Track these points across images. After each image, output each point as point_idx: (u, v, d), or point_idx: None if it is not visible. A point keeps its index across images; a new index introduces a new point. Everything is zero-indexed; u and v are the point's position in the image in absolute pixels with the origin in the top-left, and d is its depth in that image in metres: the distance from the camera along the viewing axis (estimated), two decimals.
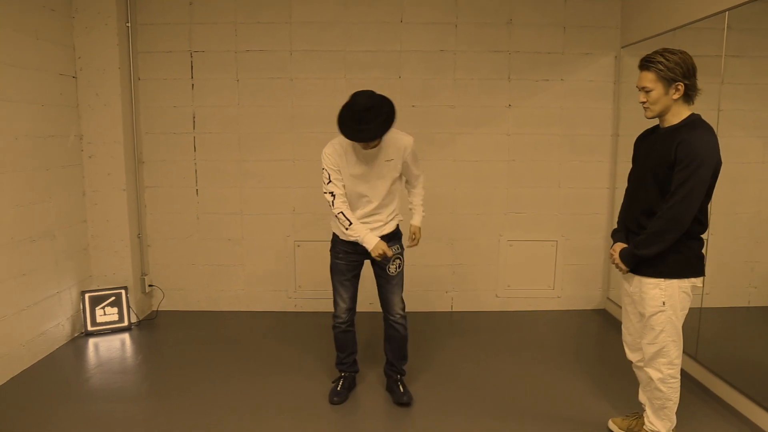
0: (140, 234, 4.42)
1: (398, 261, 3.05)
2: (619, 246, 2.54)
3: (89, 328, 4.07)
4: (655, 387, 2.49)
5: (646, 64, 2.33)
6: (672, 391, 2.47)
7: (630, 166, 2.70)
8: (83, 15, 3.99)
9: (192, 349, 3.84)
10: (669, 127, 2.37)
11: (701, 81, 3.65)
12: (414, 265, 4.55)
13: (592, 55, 4.38)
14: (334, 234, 3.07)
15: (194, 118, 4.40)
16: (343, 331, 3.11)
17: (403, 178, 3.09)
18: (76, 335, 4.06)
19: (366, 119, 2.69)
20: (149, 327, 4.28)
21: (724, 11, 3.22)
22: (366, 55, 4.33)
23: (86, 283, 4.19)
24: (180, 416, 2.97)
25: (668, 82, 2.29)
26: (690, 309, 3.79)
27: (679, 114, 2.35)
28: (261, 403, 3.11)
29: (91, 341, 3.98)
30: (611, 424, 2.84)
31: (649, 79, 2.32)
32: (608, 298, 4.68)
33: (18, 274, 3.47)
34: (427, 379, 3.40)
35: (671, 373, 2.45)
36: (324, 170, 2.89)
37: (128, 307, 4.20)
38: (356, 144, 2.83)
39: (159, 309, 4.57)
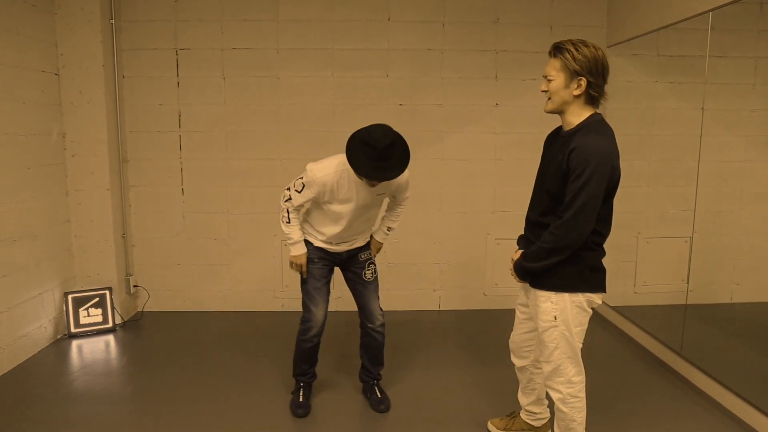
0: (125, 234, 4.36)
1: (372, 266, 2.99)
2: (519, 254, 2.38)
3: (73, 329, 4.00)
4: (557, 408, 2.33)
5: (554, 50, 2.16)
6: (575, 412, 2.30)
7: None
8: (66, 11, 3.92)
9: (178, 351, 3.79)
10: (569, 131, 2.18)
11: (687, 80, 3.72)
12: (401, 263, 4.56)
13: None
14: (306, 240, 2.92)
15: (180, 116, 4.35)
16: (313, 345, 2.96)
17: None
18: (59, 337, 3.99)
19: (387, 156, 2.48)
20: (134, 328, 4.22)
21: (708, 11, 3.25)
22: (353, 53, 4.31)
23: (69, 283, 4.12)
24: (166, 420, 2.93)
25: (571, 74, 2.10)
26: (674, 306, 3.89)
27: (579, 115, 2.16)
28: (249, 412, 3.04)
29: (75, 343, 3.92)
30: (490, 426, 2.80)
31: (553, 66, 2.15)
32: None
33: None
34: (409, 382, 3.40)
35: (571, 392, 2.28)
36: (303, 185, 2.68)
37: (113, 308, 4.13)
38: (352, 175, 2.62)
39: (144, 310, 4.50)
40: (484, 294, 4.63)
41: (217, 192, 4.44)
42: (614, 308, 4.44)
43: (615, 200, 4.83)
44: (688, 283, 3.92)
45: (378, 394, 3.09)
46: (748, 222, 4.35)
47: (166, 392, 3.22)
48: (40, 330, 3.79)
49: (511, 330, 2.63)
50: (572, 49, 2.09)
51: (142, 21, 4.22)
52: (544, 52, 4.34)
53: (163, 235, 4.48)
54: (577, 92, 2.11)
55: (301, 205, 2.79)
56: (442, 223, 4.54)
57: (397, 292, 4.59)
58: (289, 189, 2.80)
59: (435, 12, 4.30)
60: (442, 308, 4.65)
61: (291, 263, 2.91)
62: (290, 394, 3.11)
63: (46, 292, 3.86)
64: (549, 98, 2.20)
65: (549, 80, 2.17)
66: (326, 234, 2.85)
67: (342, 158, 2.63)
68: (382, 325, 3.01)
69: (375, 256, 3.06)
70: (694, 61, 3.60)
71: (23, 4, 3.61)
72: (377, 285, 3.02)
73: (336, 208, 2.73)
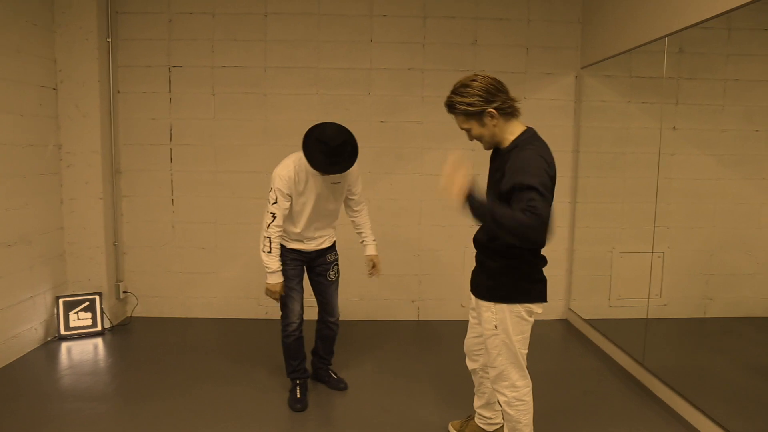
0: (116, 241, 4.54)
1: (336, 267, 3.31)
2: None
3: (63, 332, 4.17)
4: (503, 410, 2.44)
5: (449, 110, 2.26)
6: (520, 414, 2.39)
7: None
8: (65, 30, 4.16)
9: (162, 355, 3.95)
10: (505, 148, 2.27)
11: (658, 101, 3.88)
12: (381, 274, 4.69)
13: (554, 74, 4.60)
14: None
15: (171, 130, 4.56)
16: (296, 339, 3.23)
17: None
18: (49, 339, 4.16)
19: (341, 154, 2.83)
20: (122, 332, 4.39)
21: (664, 37, 3.42)
22: (337, 72, 4.51)
23: (61, 288, 4.30)
24: (145, 416, 3.08)
25: (477, 115, 2.20)
26: (635, 320, 4.00)
27: (511, 133, 2.25)
28: (224, 410, 3.18)
29: (64, 345, 4.09)
30: (450, 427, 2.94)
31: (460, 121, 2.26)
32: (570, 309, 4.84)
33: None
34: (381, 388, 3.54)
35: (515, 396, 2.38)
36: (273, 190, 2.98)
37: (102, 312, 4.31)
38: (308, 168, 2.94)
39: (133, 315, 4.68)
40: (461, 305, 4.77)
41: (206, 203, 4.63)
42: (589, 321, 4.55)
43: (590, 215, 4.98)
44: (658, 296, 4.04)
45: (335, 376, 3.50)
46: (721, 239, 4.48)
47: (148, 390, 3.37)
48: (31, 331, 3.97)
49: None
50: (460, 99, 2.19)
51: (137, 39, 4.45)
52: (520, 73, 4.59)
53: (153, 244, 4.66)
54: (494, 122, 2.21)
55: (282, 218, 3.03)
56: (421, 236, 4.70)
57: (376, 302, 4.73)
58: (267, 212, 3.03)
59: (415, 33, 4.51)
60: (420, 318, 4.78)
61: (266, 290, 3.12)
62: (288, 392, 3.33)
63: (38, 295, 4.04)
64: (481, 141, 2.31)
65: (468, 131, 2.28)
66: (295, 231, 3.12)
67: (297, 155, 3.01)
68: (338, 318, 3.36)
69: (375, 268, 3.33)
70: (664, 82, 3.76)
71: (24, 22, 3.84)
72: (338, 284, 3.35)
73: (299, 200, 3.03)
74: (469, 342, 2.70)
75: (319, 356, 3.49)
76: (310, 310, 3.38)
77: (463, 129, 2.29)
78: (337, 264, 3.33)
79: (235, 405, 3.21)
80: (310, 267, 3.28)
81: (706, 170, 4.40)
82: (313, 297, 3.37)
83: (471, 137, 2.31)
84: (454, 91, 2.23)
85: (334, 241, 3.32)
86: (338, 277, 3.34)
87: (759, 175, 4.36)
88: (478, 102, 2.18)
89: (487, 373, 2.62)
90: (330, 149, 2.79)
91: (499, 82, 2.24)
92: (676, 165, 4.11)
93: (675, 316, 4.41)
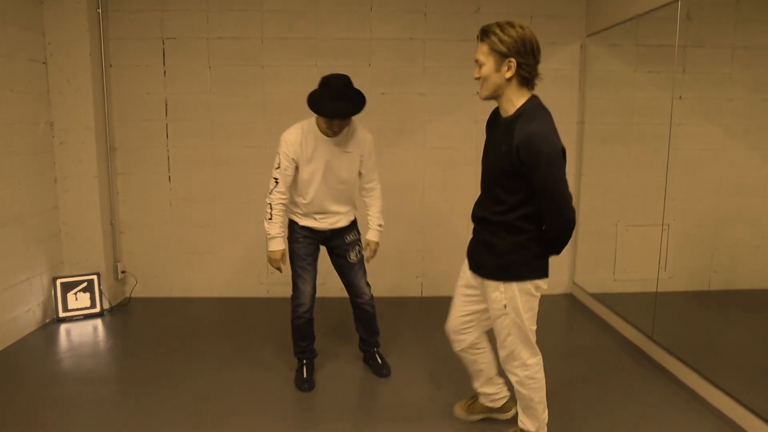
0: (113, 221, 4.44)
1: (357, 247, 3.16)
2: None
3: (61, 314, 4.09)
4: (516, 390, 2.41)
5: (481, 34, 2.12)
6: (533, 392, 2.37)
7: None
8: (53, 0, 3.99)
9: (164, 335, 3.88)
10: (507, 118, 2.16)
11: (664, 70, 3.79)
12: (384, 249, 4.61)
13: (558, 44, 4.48)
14: (291, 220, 3.10)
15: (166, 105, 4.42)
16: (306, 321, 3.10)
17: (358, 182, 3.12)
18: (47, 321, 4.08)
19: (344, 96, 2.78)
20: (122, 313, 4.31)
21: (677, 0, 3.31)
22: (337, 42, 4.38)
23: (58, 269, 4.20)
24: (149, 399, 3.01)
25: (500, 57, 2.07)
26: (645, 293, 3.97)
27: (516, 100, 2.13)
28: (229, 390, 3.12)
29: (63, 327, 4.00)
30: (455, 411, 2.83)
31: (482, 51, 2.12)
32: (574, 283, 4.80)
33: None
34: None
35: (527, 374, 2.35)
36: (278, 154, 2.92)
37: (100, 293, 4.22)
38: (317, 133, 2.88)
39: (132, 295, 4.59)
40: None
41: (204, 180, 4.52)
42: (594, 295, 4.52)
43: (595, 188, 4.89)
44: (663, 269, 4.00)
45: (378, 360, 3.33)
46: (726, 211, 4.43)
47: (150, 372, 3.31)
48: (28, 314, 3.88)
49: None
50: (498, 32, 2.07)
51: (128, 10, 4.29)
52: None
53: (150, 222, 4.56)
54: (508, 74, 2.09)
55: (285, 184, 2.93)
56: (424, 210, 4.62)
57: (379, 279, 4.63)
58: (271, 177, 2.95)
59: (417, 2, 4.37)
60: (424, 295, 4.73)
61: (268, 258, 3.06)
62: (294, 371, 3.24)
63: (34, 276, 3.94)
64: (482, 84, 2.17)
65: (480, 66, 2.15)
66: (305, 202, 2.98)
67: (307, 120, 2.94)
68: (371, 298, 3.23)
69: (372, 256, 3.21)
70: (671, 50, 3.66)
71: None
72: (362, 263, 3.20)
73: (307, 167, 2.91)
74: (456, 321, 2.58)
75: (362, 339, 3.35)
76: (320, 287, 3.31)
77: (477, 61, 2.16)
78: (359, 244, 3.17)
79: (240, 385, 3.16)
80: (329, 248, 3.16)
81: (712, 140, 4.33)
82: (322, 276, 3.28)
83: (478, 74, 2.16)
84: (498, 23, 2.10)
85: (354, 221, 3.17)
86: (362, 257, 3.19)
87: (765, 146, 4.30)
88: (510, 45, 2.06)
89: (479, 347, 2.58)
90: (335, 91, 2.76)
91: (539, 50, 2.12)
92: (682, 135, 4.03)
93: (680, 289, 4.38)
